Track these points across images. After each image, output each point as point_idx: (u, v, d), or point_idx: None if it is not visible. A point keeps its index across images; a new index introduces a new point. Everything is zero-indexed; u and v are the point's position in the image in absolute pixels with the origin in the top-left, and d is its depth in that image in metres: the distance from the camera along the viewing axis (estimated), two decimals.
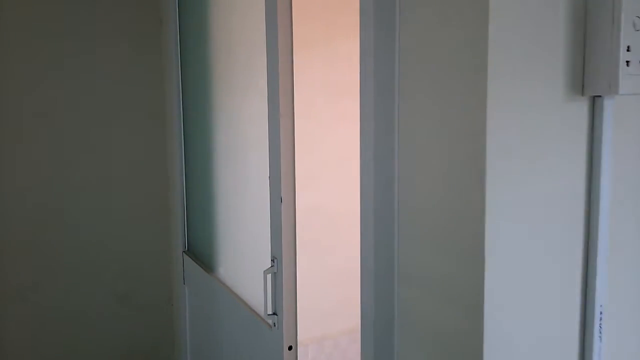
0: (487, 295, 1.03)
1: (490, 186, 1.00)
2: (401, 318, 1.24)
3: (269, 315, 1.68)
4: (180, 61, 2.31)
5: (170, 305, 2.66)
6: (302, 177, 1.83)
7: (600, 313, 1.11)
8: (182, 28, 2.30)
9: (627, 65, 1.00)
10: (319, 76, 2.41)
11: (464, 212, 1.06)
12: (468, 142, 1.03)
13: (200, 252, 2.32)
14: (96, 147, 2.51)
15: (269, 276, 1.66)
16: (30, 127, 2.40)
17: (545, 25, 1.03)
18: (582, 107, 1.08)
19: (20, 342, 2.48)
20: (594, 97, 1.07)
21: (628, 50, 0.99)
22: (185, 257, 2.39)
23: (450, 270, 1.11)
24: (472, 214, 1.03)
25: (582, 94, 1.06)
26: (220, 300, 2.07)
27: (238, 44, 1.95)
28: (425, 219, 1.16)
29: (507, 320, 1.06)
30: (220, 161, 2.11)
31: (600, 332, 1.12)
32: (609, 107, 1.06)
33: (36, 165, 2.43)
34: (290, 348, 1.64)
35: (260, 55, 1.67)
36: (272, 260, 1.66)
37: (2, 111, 2.35)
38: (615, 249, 1.15)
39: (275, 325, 1.67)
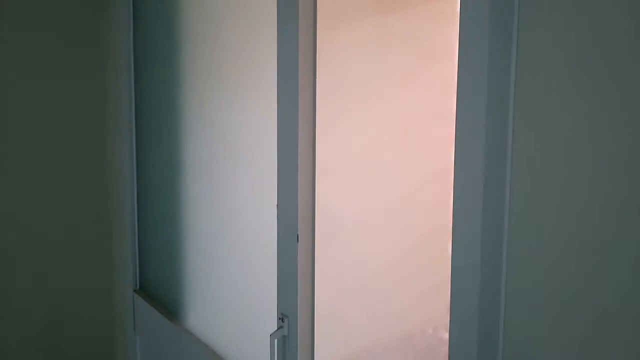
0: None
1: None
2: None
3: None
4: (133, 46, 1.80)
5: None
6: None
7: None
8: (137, 5, 1.79)
9: None
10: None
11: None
12: None
13: (160, 292, 1.83)
14: (12, 156, 1.94)
15: (276, 341, 1.21)
16: None
17: None
18: None
19: None
20: None
21: None
22: (137, 297, 1.88)
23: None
24: None
25: None
26: None
27: (226, 22, 1.48)
28: (551, 273, 0.77)
29: None
30: (193, 176, 1.63)
31: None
32: None
33: None
34: None
35: (263, 38, 1.23)
36: (281, 319, 1.21)
37: None
38: None
39: None
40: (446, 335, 2.00)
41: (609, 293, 0.72)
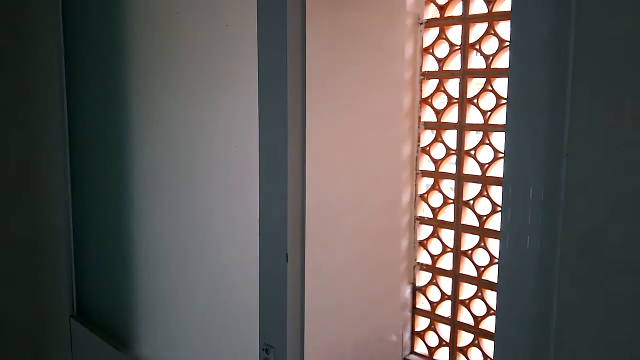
0: None
1: None
2: None
3: None
4: (62, 29, 1.54)
5: None
6: None
7: None
8: None
9: None
10: None
11: None
12: None
13: (104, 317, 1.58)
14: None
15: None
16: None
17: None
18: None
19: None
20: None
21: None
22: (75, 323, 1.63)
23: None
24: None
25: None
26: None
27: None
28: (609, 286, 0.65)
29: None
30: (146, 181, 1.40)
31: None
32: None
33: None
34: None
35: (232, 15, 1.04)
36: (265, 350, 1.03)
37: None
38: None
39: None
40: (395, 339, 1.92)
41: None
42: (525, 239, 0.69)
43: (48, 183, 1.69)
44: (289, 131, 0.92)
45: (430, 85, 1.79)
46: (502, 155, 1.65)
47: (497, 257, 1.64)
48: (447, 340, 1.82)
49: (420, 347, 1.90)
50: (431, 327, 1.86)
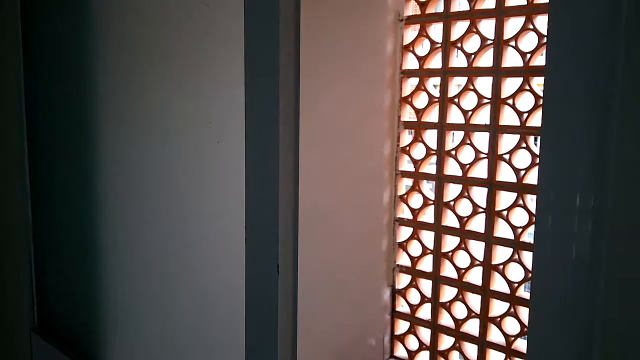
0: None
1: None
2: None
3: None
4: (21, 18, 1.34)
5: None
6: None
7: None
8: None
9: None
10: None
11: None
12: None
13: (69, 330, 1.39)
14: None
15: None
16: None
17: None
18: None
19: None
20: None
21: None
22: (35, 337, 1.42)
23: None
24: None
25: None
26: None
27: None
28: None
29: None
30: (116, 183, 1.22)
31: None
32: None
33: None
34: None
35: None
36: None
37: None
38: None
39: None
40: (374, 343, 1.80)
41: None
42: (571, 248, 0.56)
43: (4, 186, 1.48)
44: (280, 127, 0.76)
45: (410, 84, 1.67)
46: (484, 155, 1.54)
47: (477, 260, 1.51)
48: (428, 344, 1.69)
49: (400, 351, 1.77)
50: (411, 331, 1.73)
